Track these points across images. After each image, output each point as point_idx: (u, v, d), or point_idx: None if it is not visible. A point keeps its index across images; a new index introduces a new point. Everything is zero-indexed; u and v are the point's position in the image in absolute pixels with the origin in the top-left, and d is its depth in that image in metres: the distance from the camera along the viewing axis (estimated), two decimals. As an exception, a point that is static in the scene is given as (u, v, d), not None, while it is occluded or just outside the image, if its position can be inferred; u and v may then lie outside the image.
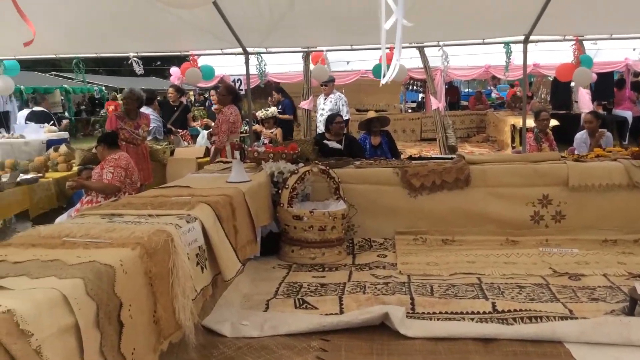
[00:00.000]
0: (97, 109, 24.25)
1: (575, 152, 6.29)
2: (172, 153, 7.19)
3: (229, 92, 6.78)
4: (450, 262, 4.45)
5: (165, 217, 3.04)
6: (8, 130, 11.28)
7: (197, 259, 3.04)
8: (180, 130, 8.67)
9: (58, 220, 4.86)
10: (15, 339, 1.66)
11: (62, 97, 21.69)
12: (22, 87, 16.41)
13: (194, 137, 8.80)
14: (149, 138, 7.25)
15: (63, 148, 6.99)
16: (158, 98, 8.61)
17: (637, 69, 11.57)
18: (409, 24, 1.96)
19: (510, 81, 18.97)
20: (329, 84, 8.88)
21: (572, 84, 11.72)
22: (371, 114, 6.79)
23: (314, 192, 5.11)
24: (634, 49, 10.39)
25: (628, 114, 11.86)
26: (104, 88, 23.51)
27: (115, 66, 30.57)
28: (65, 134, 10.02)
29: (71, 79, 21.67)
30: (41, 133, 9.23)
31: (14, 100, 16.06)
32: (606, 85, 12.13)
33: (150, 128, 7.50)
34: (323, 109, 8.90)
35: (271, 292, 3.88)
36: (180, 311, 2.64)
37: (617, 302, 3.48)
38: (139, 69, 7.51)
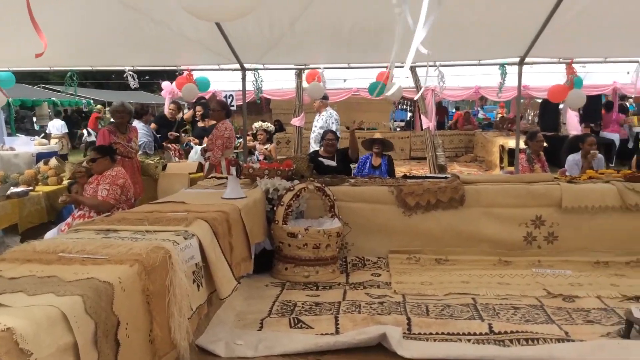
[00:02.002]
0: (85, 122, 24.12)
1: (567, 173, 6.34)
2: (164, 168, 7.13)
3: (222, 108, 6.77)
4: (445, 282, 4.44)
5: (162, 233, 3.00)
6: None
7: (194, 276, 3.00)
8: (174, 145, 8.62)
9: (48, 235, 4.79)
10: (14, 358, 1.62)
11: (50, 110, 21.56)
12: (10, 99, 16.28)
13: (186, 152, 8.75)
14: (139, 152, 7.20)
15: (53, 161, 6.91)
16: (150, 112, 8.56)
17: (624, 92, 11.75)
18: (423, 50, 1.97)
19: (497, 102, 19.22)
20: (317, 101, 8.90)
21: (561, 105, 11.88)
22: (377, 135, 6.85)
23: (309, 209, 5.10)
24: (628, 72, 10.55)
25: (615, 137, 12.05)
26: (92, 101, 23.40)
27: (104, 79, 30.50)
28: (55, 147, 9.92)
29: (59, 91, 21.57)
30: (31, 145, 9.13)
31: (1, 112, 15.93)
32: (594, 108, 12.31)
33: (140, 142, 7.46)
34: (315, 126, 8.90)
35: (265, 310, 3.83)
36: (175, 330, 2.60)
37: (613, 325, 3.48)
38: (133, 82, 7.48)
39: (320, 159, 6.20)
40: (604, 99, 13.29)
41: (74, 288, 2.07)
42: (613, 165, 11.24)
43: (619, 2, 5.09)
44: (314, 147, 8.50)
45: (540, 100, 13.99)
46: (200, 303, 3.06)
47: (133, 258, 2.47)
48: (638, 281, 4.40)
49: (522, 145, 7.11)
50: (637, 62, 8.12)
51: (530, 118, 16.48)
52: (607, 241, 4.93)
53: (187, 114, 10.42)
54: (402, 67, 7.04)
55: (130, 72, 7.44)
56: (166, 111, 9.74)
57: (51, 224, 5.78)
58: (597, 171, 5.68)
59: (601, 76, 11.28)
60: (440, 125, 17.65)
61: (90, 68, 7.55)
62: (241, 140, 8.76)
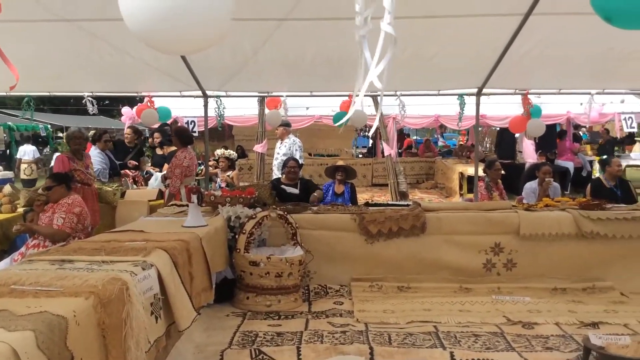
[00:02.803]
0: (41, 147, 23.53)
1: (524, 201, 6.49)
2: (122, 195, 6.98)
3: (176, 135, 6.69)
4: (407, 310, 4.45)
5: (119, 264, 2.92)
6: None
7: (152, 308, 2.91)
8: (132, 172, 8.46)
9: (0, 265, 4.61)
10: (-41, 399, 1.53)
11: (5, 135, 20.97)
12: (-37, 124, 15.82)
13: (146, 179, 8.59)
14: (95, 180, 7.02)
15: (7, 188, 6.67)
16: (109, 138, 8.37)
17: (578, 122, 12.18)
18: (378, 85, 2.00)
19: (456, 130, 19.68)
20: (279, 128, 8.93)
21: (517, 134, 12.22)
22: (340, 162, 6.90)
23: (271, 237, 5.06)
24: (581, 104, 10.97)
25: (570, 165, 12.43)
26: (49, 126, 22.89)
27: (62, 104, 29.94)
28: (9, 174, 9.61)
29: (15, 116, 21.04)
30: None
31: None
32: (549, 137, 12.70)
33: (95, 170, 7.28)
34: (278, 153, 8.92)
35: (225, 342, 3.75)
36: (133, 364, 2.51)
37: (571, 352, 3.54)
38: (92, 108, 7.36)
39: (283, 186, 6.19)
40: (559, 128, 13.75)
41: (25, 322, 1.98)
42: (568, 192, 11.57)
43: (572, 37, 5.30)
44: (277, 174, 8.50)
45: (497, 129, 14.36)
46: (159, 336, 2.97)
47: (88, 290, 2.39)
48: (595, 307, 4.50)
49: (481, 173, 7.28)
50: (589, 93, 8.47)
51: (487, 146, 16.91)
52: (564, 268, 5.05)
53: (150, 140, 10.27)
54: (367, 96, 7.16)
55: (89, 98, 7.32)
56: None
57: (4, 254, 5.56)
58: (553, 199, 5.84)
59: (555, 106, 11.69)
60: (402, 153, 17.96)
61: (47, 93, 7.40)
62: (203, 167, 8.68)
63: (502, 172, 7.25)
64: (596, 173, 11.35)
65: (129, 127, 9.40)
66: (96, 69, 6.15)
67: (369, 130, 19.38)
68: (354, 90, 2.48)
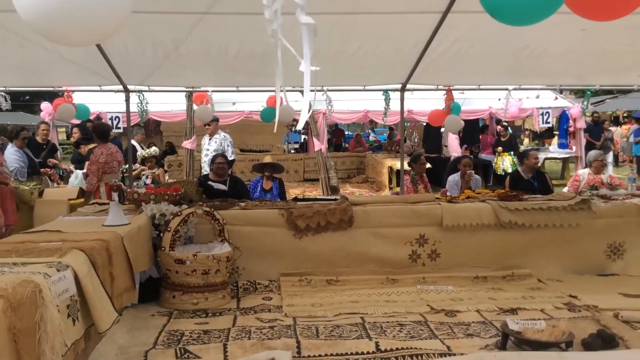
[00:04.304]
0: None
1: (448, 193, 6.70)
2: (40, 194, 6.66)
3: (97, 131, 6.47)
4: (335, 303, 4.49)
5: (32, 266, 2.79)
6: None
7: (68, 310, 2.80)
8: (49, 170, 8.08)
9: None
10: None
11: None
12: None
13: (63, 177, 8.23)
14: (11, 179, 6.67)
15: None
16: (27, 135, 7.97)
17: (499, 117, 12.70)
18: (315, 68, 2.02)
19: (387, 125, 20.05)
20: (212, 124, 8.81)
21: (442, 129, 12.62)
22: (267, 159, 6.89)
23: (198, 234, 4.97)
24: (499, 99, 11.43)
25: (492, 158, 12.95)
26: (-38, 122, 21.54)
27: (-23, 99, 28.21)
28: None
29: None
30: None
31: None
32: (472, 131, 13.22)
33: (12, 168, 6.92)
34: (208, 149, 8.79)
35: (150, 342, 3.65)
36: (48, 369, 2.41)
37: (490, 337, 3.68)
38: (5, 104, 6.98)
39: (210, 182, 6.10)
40: (482, 123, 14.29)
41: None
42: (491, 184, 12.07)
43: (489, 34, 5.49)
44: (207, 170, 8.37)
45: (424, 124, 14.76)
46: (77, 338, 2.86)
47: (-3, 294, 2.27)
48: (513, 294, 4.68)
49: (407, 167, 7.46)
50: (507, 89, 8.85)
51: (416, 140, 17.35)
52: (485, 257, 5.24)
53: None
54: (292, 91, 7.18)
55: (3, 94, 6.94)
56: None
57: None
58: (475, 191, 6.06)
59: (478, 102, 12.15)
60: (337, 147, 18.15)
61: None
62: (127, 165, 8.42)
63: (428, 165, 7.46)
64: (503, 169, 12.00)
65: (42, 123, 8.97)
66: (8, 62, 5.84)
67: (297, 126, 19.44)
68: (276, 87, 2.48)
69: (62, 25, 2.11)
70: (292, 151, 18.88)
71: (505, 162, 12.14)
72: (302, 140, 20.20)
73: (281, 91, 2.52)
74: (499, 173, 12.15)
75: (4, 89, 6.94)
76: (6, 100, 7.00)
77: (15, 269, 2.73)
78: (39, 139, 8.54)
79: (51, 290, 2.56)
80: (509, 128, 17.22)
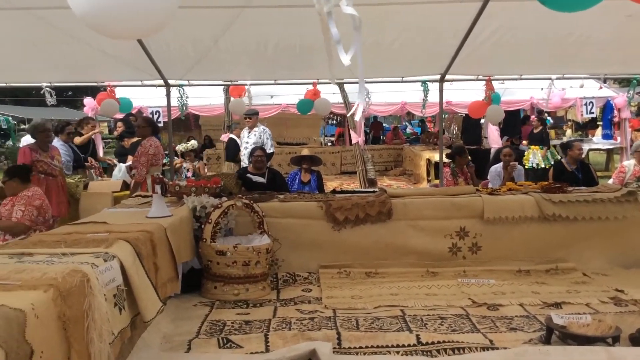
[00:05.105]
0: (3, 140, 22.91)
1: (489, 185, 6.59)
2: (85, 187, 6.85)
3: (148, 124, 6.61)
4: (374, 295, 4.48)
5: (80, 256, 2.87)
6: None
7: (115, 299, 2.87)
8: (96, 163, 8.30)
9: (-43, 260, 4.48)
10: None
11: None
12: None
13: (105, 170, 8.44)
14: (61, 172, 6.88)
15: (-35, 182, 6.50)
16: (72, 130, 8.19)
17: (541, 107, 12.41)
18: (347, 62, 2.01)
19: (423, 117, 19.86)
20: (252, 117, 8.87)
21: (482, 120, 12.40)
22: (304, 152, 6.90)
23: (238, 226, 5.03)
24: (542, 89, 11.15)
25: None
26: (10, 118, 22.28)
27: (23, 96, 29.12)
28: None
29: (-27, 108, 20.44)
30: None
31: None
32: (513, 122, 12.92)
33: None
34: (247, 142, 8.85)
35: (193, 331, 3.72)
36: (95, 357, 2.47)
37: (534, 331, 3.61)
38: (51, 99, 7.19)
39: (249, 175, 6.15)
40: (522, 114, 13.98)
41: (-19, 317, 1.93)
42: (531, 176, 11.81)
43: (531, 22, 5.38)
44: (246, 163, 8.46)
45: (463, 115, 14.55)
46: (123, 327, 2.93)
47: (47, 283, 2.34)
48: (557, 288, 4.59)
49: (446, 159, 7.36)
50: (549, 78, 8.64)
51: (455, 132, 17.11)
52: (527, 250, 5.14)
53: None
54: (327, 84, 7.15)
55: (48, 89, 7.14)
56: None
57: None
58: (517, 183, 5.94)
59: (519, 92, 11.89)
60: (376, 140, 18.06)
61: (5, 84, 7.19)
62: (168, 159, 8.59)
63: (469, 158, 7.34)
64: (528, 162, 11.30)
65: (89, 118, 9.20)
66: (54, 58, 6.01)
67: (336, 119, 19.41)
68: (331, 76, 2.48)
69: (115, 20, 2.17)
70: (329, 144, 18.87)
71: (537, 156, 11.28)
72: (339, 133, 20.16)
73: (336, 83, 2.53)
74: (527, 167, 11.48)
75: (49, 84, 7.13)
76: (51, 96, 7.20)
77: (64, 259, 2.82)
78: (84, 133, 8.76)
79: (99, 279, 2.63)
80: (549, 119, 16.84)
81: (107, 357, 2.53)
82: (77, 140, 8.26)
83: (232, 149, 9.27)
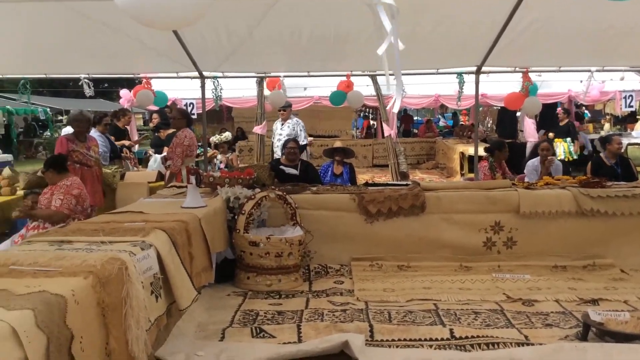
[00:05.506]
0: (41, 131, 23.50)
1: (526, 179, 6.47)
2: (122, 177, 6.98)
3: (183, 116, 6.69)
4: (407, 288, 4.46)
5: (118, 244, 2.93)
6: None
7: (152, 287, 2.93)
8: (129, 153, 8.44)
9: (1, 247, 4.63)
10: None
11: (5, 119, 20.92)
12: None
13: (145, 160, 8.58)
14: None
15: (6, 171, 6.69)
16: (109, 121, 8.35)
17: (579, 100, 12.10)
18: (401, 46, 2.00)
19: (457, 110, 19.60)
20: (286, 109, 8.89)
21: (518, 113, 12.17)
22: (337, 144, 6.88)
23: (271, 218, 5.06)
24: (581, 81, 10.88)
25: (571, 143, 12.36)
26: (48, 109, 22.82)
27: (61, 87, 29.80)
28: (9, 157, 9.60)
29: (14, 99, 20.98)
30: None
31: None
32: (551, 116, 12.62)
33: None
34: (281, 134, 8.88)
35: (227, 320, 3.77)
36: (133, 343, 2.53)
37: (571, 328, 3.55)
38: (89, 91, 7.32)
39: (282, 167, 6.17)
40: (560, 107, 13.65)
41: (24, 302, 1.99)
42: (570, 170, 11.52)
43: (571, 13, 5.24)
44: (279, 155, 8.49)
45: (498, 108, 14.31)
46: (159, 314, 2.99)
47: (87, 270, 2.40)
48: (594, 284, 4.50)
49: (481, 152, 7.24)
50: (589, 70, 8.41)
51: (489, 125, 16.85)
52: (564, 245, 5.04)
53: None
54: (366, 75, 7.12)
55: (86, 80, 7.28)
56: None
57: (4, 236, 5.58)
58: (554, 177, 5.82)
59: (556, 84, 11.62)
60: (406, 133, 17.92)
61: (44, 76, 7.36)
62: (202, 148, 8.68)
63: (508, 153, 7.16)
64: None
65: (126, 110, 9.36)
66: (92, 50, 6.11)
67: (368, 111, 19.32)
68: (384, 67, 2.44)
69: (156, 10, 2.20)
70: (360, 137, 18.79)
71: (559, 150, 10.80)
72: (371, 126, 20.06)
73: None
74: None
75: (87, 75, 7.27)
76: (89, 87, 7.33)
77: (102, 247, 2.88)
78: (120, 125, 8.93)
79: (136, 267, 2.68)
80: (587, 113, 16.42)
81: (143, 343, 2.58)
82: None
83: None
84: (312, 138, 11.77)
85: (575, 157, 10.56)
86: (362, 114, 20.03)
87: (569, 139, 10.99)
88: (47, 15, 5.18)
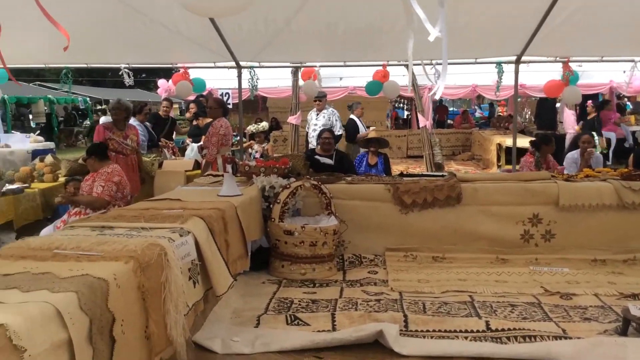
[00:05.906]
0: (81, 120, 24.07)
1: (565, 171, 6.32)
2: (160, 165, 7.11)
3: (219, 105, 6.75)
4: (442, 280, 4.43)
5: (157, 230, 2.99)
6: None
7: (190, 273, 2.98)
8: (170, 143, 8.58)
9: (44, 231, 4.77)
10: (8, 354, 1.60)
11: (46, 108, 21.51)
12: (5, 96, 16.23)
13: (182, 150, 8.70)
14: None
15: (49, 158, 6.87)
16: (148, 110, 8.50)
17: (620, 91, 11.75)
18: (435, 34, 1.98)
19: (494, 101, 19.24)
20: (321, 100, 8.88)
21: (558, 104, 11.89)
22: (372, 134, 6.84)
23: (305, 207, 5.08)
24: (624, 72, 10.55)
25: (612, 135, 12.03)
26: (88, 99, 23.35)
27: (100, 77, 30.45)
28: (51, 144, 9.87)
29: (55, 89, 21.53)
30: (27, 143, 9.08)
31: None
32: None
33: (138, 141, 7.41)
34: (316, 124, 8.89)
35: (262, 307, 3.82)
36: (172, 327, 2.58)
37: (610, 322, 3.48)
38: (129, 80, 7.46)
39: (317, 157, 6.18)
40: (601, 98, 13.29)
41: (68, 284, 2.05)
42: (610, 163, 11.23)
43: (613, 2, 5.09)
44: (314, 145, 8.51)
45: (537, 99, 14.00)
46: (197, 300, 3.04)
47: (128, 255, 2.46)
48: (635, 279, 4.40)
49: (525, 144, 7.03)
50: (632, 61, 8.15)
51: (527, 117, 16.52)
52: (604, 239, 4.92)
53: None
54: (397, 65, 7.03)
55: (126, 70, 7.41)
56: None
57: (47, 221, 5.75)
58: (595, 169, 5.68)
59: (598, 75, 11.30)
60: (440, 124, 17.70)
61: (85, 65, 7.52)
62: (238, 138, 8.76)
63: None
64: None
65: (164, 100, 9.51)
66: (132, 40, 6.22)
67: (403, 102, 19.15)
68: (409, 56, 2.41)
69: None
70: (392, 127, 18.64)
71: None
72: (405, 117, 19.89)
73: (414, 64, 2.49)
74: None
75: (127, 65, 7.40)
76: (130, 77, 7.46)
77: (142, 233, 2.95)
78: (161, 113, 9.08)
79: (175, 253, 2.74)
80: (629, 104, 15.89)
81: (182, 327, 2.63)
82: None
83: (352, 129, 9.33)
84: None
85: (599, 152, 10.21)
86: (395, 104, 19.84)
87: (594, 133, 10.67)
88: (87, 4, 5.28)
